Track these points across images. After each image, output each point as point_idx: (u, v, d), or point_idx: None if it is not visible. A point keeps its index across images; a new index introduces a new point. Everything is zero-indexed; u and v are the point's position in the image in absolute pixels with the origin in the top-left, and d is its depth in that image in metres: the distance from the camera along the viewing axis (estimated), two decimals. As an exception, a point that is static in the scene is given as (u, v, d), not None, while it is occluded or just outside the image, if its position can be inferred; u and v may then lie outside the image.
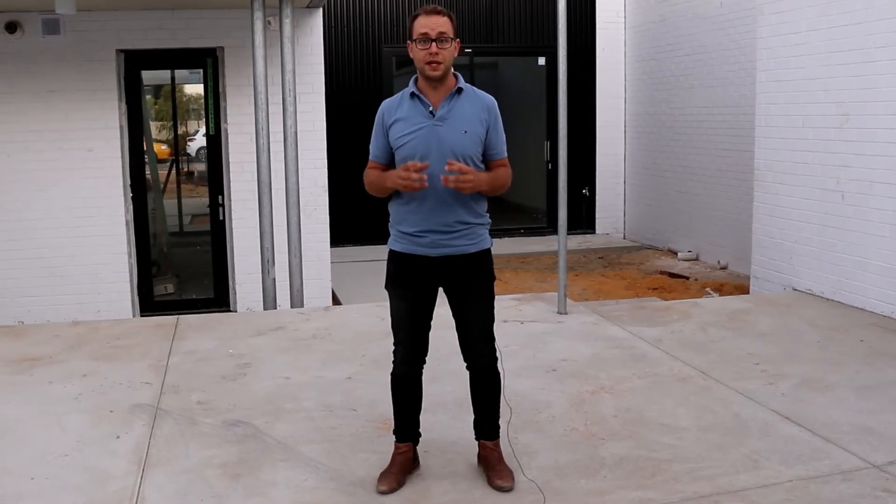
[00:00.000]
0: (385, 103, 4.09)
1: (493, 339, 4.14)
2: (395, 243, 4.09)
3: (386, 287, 4.16)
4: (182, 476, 4.28)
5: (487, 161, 4.05)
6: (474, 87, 4.09)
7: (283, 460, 4.45)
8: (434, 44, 3.89)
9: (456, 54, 3.98)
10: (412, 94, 4.00)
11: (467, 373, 4.21)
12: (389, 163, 4.06)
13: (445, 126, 3.94)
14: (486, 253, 4.11)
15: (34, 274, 9.30)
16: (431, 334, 4.17)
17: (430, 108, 3.96)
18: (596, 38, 14.26)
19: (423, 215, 3.96)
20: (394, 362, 4.19)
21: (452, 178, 3.81)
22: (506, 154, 4.11)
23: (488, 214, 4.13)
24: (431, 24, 3.90)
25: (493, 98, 4.08)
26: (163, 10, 9.20)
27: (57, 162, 9.25)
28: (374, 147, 4.10)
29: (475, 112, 3.98)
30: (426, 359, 4.20)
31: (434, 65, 3.91)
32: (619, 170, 14.56)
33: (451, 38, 3.92)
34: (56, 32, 9.07)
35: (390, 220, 4.12)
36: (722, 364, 5.96)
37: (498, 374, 4.18)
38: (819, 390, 5.42)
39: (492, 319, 4.14)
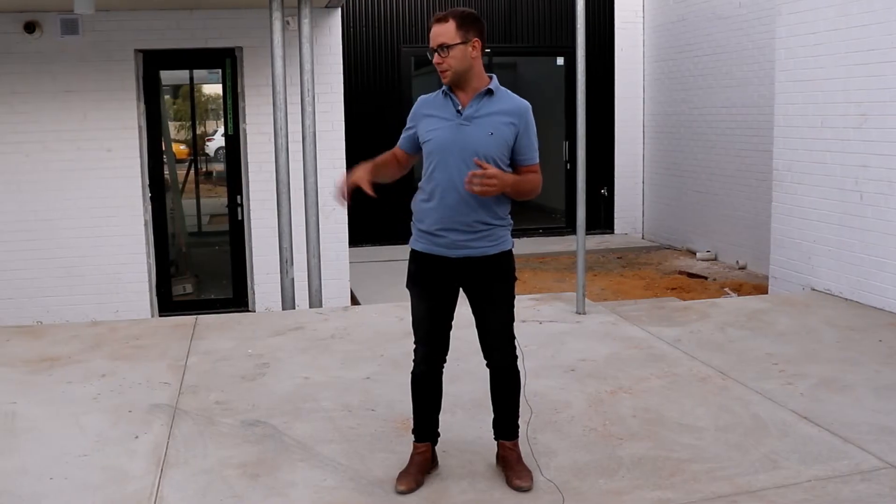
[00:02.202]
0: (423, 97, 4.17)
1: (513, 338, 4.14)
2: (415, 242, 4.11)
3: (407, 286, 4.17)
4: (201, 476, 4.30)
5: (517, 166, 4.04)
6: (509, 91, 4.09)
7: (301, 460, 4.46)
8: (437, 54, 3.94)
9: (473, 54, 3.98)
10: (444, 93, 4.07)
11: (486, 372, 4.21)
12: (413, 153, 4.16)
13: (472, 126, 3.95)
14: (507, 254, 4.10)
15: (53, 274, 9.33)
16: (450, 334, 4.17)
17: (459, 107, 3.99)
18: (615, 37, 14.23)
19: (443, 213, 3.97)
20: (414, 361, 4.19)
21: (477, 182, 3.81)
22: (537, 160, 4.09)
23: (511, 216, 4.12)
24: (434, 34, 3.98)
25: (526, 103, 4.08)
26: (181, 10, 9.22)
27: (75, 162, 9.28)
28: (403, 136, 4.19)
29: (504, 115, 3.99)
30: (446, 358, 4.20)
31: (442, 73, 3.98)
32: (637, 170, 14.53)
33: (455, 44, 3.92)
34: (74, 32, 9.11)
35: (412, 218, 4.14)
36: (740, 364, 5.94)
37: (518, 373, 4.18)
38: (838, 390, 5.40)
39: (512, 319, 4.14)
